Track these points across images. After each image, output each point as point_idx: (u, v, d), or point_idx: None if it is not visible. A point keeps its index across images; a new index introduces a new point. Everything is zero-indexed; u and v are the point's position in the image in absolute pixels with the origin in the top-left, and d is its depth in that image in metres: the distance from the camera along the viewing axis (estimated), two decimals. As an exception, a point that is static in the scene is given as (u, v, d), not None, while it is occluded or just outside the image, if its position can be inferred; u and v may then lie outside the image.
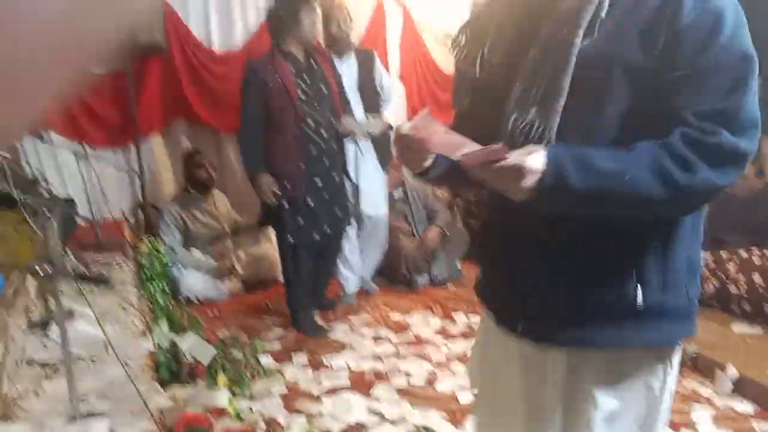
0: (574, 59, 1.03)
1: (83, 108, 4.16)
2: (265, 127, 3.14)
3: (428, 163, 1.14)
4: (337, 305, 3.72)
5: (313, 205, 3.22)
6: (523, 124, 1.07)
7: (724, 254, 3.35)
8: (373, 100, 3.68)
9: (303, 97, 3.13)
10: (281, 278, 4.08)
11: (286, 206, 3.18)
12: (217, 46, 4.42)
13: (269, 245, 4.19)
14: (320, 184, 3.23)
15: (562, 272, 1.11)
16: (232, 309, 3.80)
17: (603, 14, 1.03)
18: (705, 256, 3.39)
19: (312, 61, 3.22)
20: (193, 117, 4.39)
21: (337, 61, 3.50)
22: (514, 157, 0.95)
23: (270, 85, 3.09)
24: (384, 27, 4.78)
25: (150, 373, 2.04)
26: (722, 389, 2.65)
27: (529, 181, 0.96)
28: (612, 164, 0.97)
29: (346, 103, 3.45)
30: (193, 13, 4.33)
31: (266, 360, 2.96)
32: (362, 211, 3.68)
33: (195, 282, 3.88)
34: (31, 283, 2.50)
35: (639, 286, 1.08)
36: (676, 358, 1.18)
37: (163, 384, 2.28)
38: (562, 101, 1.04)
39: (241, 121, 3.19)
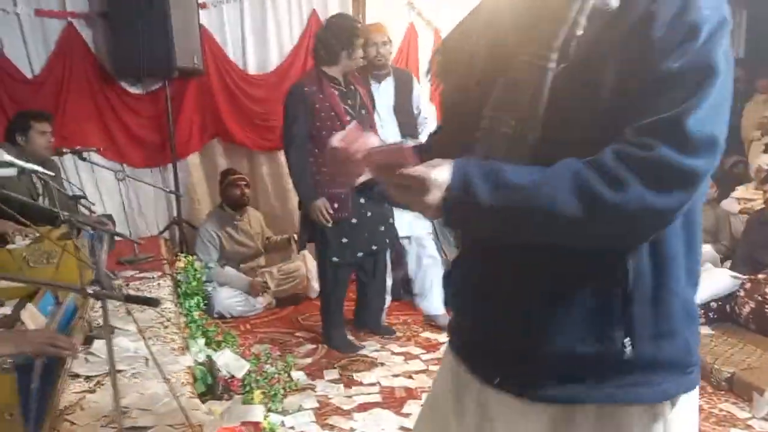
0: (548, 86, 0.93)
1: (122, 129, 4.31)
2: (311, 149, 3.20)
3: (364, 177, 1.03)
4: (395, 333, 3.65)
5: (356, 223, 3.27)
6: (495, 156, 0.96)
7: (761, 276, 3.31)
8: (409, 123, 3.72)
9: (349, 120, 3.19)
10: (311, 294, 4.16)
11: (330, 226, 3.23)
12: (252, 68, 4.54)
13: (300, 262, 4.26)
14: (364, 203, 3.27)
15: (538, 320, 0.99)
16: (264, 324, 3.87)
17: (578, 32, 0.92)
18: (742, 278, 3.36)
19: (351, 85, 3.29)
20: (229, 137, 4.51)
21: (374, 84, 3.57)
22: (418, 168, 0.86)
23: (318, 109, 3.15)
24: (416, 49, 4.85)
25: (189, 388, 2.09)
26: (760, 412, 2.61)
27: (433, 197, 0.86)
28: (527, 178, 0.86)
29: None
30: (229, 36, 4.46)
31: (298, 375, 3.01)
32: (398, 233, 3.70)
33: (228, 298, 3.96)
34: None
35: (627, 336, 0.95)
36: (683, 412, 1.03)
37: (200, 398, 2.33)
38: (536, 133, 0.94)
39: (289, 145, 3.23)
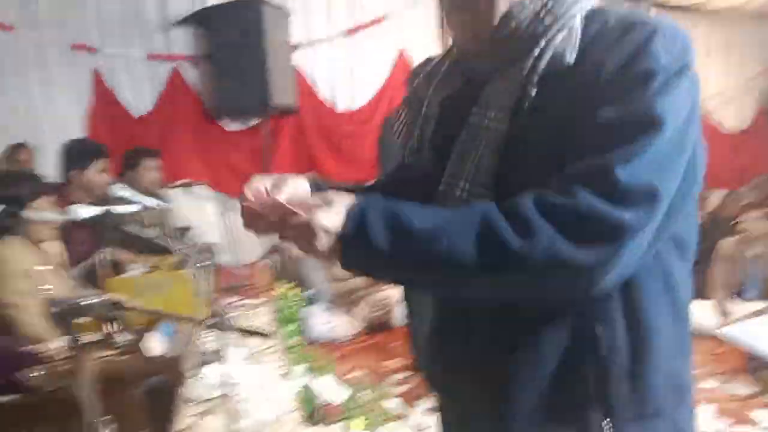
0: (497, 150, 0.87)
1: (223, 163, 4.58)
2: None
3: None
4: None
5: None
6: None
7: None
8: None
9: None
10: (396, 323, 4.24)
11: None
12: (341, 105, 4.73)
13: (389, 289, 4.35)
14: None
15: (510, 398, 0.91)
16: (357, 350, 3.97)
17: (532, 92, 0.85)
18: None
19: None
20: (320, 170, 4.71)
21: None
22: (312, 215, 0.80)
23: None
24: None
25: (296, 414, 2.20)
26: None
27: (323, 242, 0.79)
28: (430, 223, 0.78)
29: None
30: (320, 75, 4.68)
31: (393, 403, 3.07)
32: None
33: (321, 323, 4.10)
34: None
35: (606, 417, 0.86)
36: None
37: (303, 425, 2.43)
38: (487, 197, 0.88)
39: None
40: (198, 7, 4.42)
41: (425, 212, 0.80)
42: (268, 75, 4.18)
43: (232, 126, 4.57)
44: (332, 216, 0.80)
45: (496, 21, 0.89)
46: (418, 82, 1.08)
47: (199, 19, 4.40)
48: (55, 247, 2.66)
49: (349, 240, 0.79)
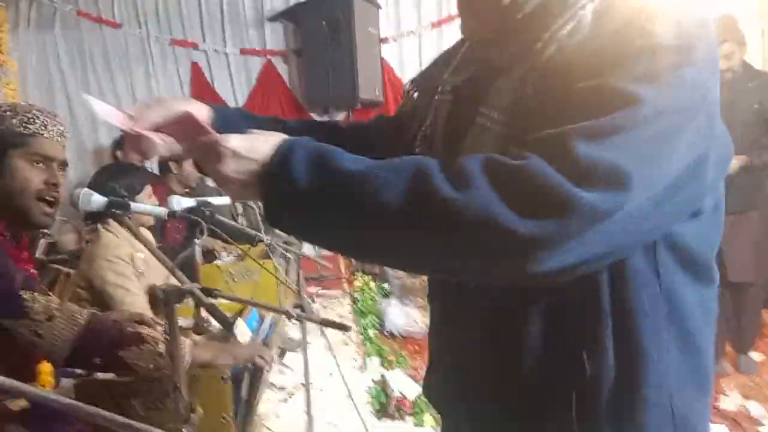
0: (504, 149, 0.76)
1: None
2: None
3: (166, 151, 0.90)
4: None
5: None
6: None
7: None
8: None
9: None
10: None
11: None
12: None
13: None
14: None
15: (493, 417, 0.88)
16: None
17: (531, 93, 0.78)
18: None
19: None
20: (404, 163, 4.78)
21: None
22: (222, 136, 0.75)
23: None
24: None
25: (369, 407, 2.30)
26: None
27: (230, 167, 0.73)
28: (359, 165, 0.71)
29: None
30: (407, 68, 4.71)
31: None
32: None
33: (398, 316, 4.18)
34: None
35: None
36: None
37: (374, 417, 2.53)
38: None
39: None
40: (292, 2, 4.56)
41: (357, 158, 0.73)
42: (356, 69, 4.27)
43: (319, 119, 4.70)
44: (245, 142, 0.74)
45: (502, 8, 0.84)
46: (432, 66, 1.03)
47: (290, 14, 4.55)
48: (150, 235, 2.87)
49: (269, 174, 0.72)
